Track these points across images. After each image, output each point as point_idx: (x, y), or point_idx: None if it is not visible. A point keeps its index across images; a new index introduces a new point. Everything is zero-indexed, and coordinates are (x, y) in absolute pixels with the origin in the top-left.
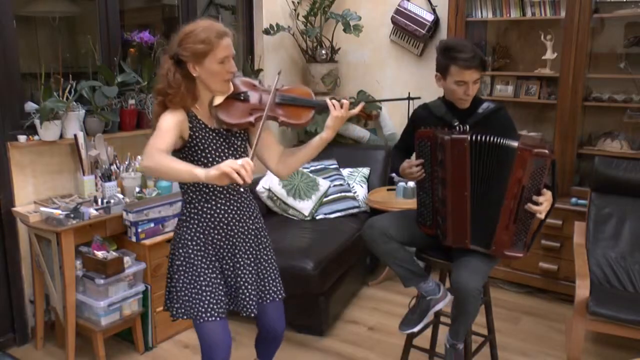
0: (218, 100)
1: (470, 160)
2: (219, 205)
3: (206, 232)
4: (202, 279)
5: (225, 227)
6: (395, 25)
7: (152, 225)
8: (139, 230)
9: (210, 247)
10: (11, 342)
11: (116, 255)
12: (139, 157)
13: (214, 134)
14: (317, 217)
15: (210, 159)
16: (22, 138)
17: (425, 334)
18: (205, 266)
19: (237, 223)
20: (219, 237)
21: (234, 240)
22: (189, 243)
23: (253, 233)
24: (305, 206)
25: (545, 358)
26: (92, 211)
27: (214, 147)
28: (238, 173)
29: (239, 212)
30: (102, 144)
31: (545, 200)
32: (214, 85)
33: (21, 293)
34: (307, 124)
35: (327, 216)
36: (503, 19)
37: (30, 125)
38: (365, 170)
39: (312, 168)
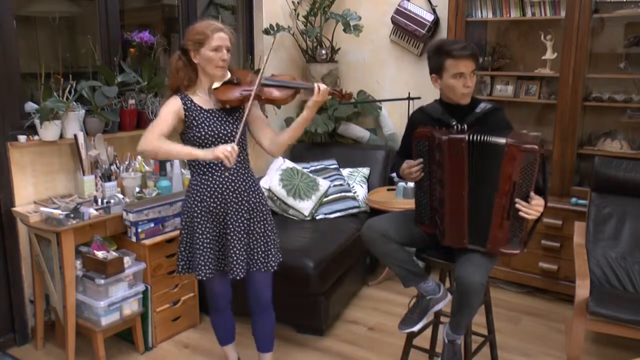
0: (216, 84)
1: (468, 159)
2: (214, 177)
3: (204, 199)
4: (196, 241)
5: (219, 196)
6: (395, 25)
7: (152, 225)
8: (139, 230)
9: (205, 214)
10: (11, 342)
11: (116, 255)
12: (139, 157)
13: (207, 114)
14: (317, 217)
15: (204, 134)
16: (22, 138)
17: (425, 334)
18: (201, 231)
19: (230, 194)
20: (214, 205)
21: (226, 209)
22: (189, 211)
23: (246, 207)
24: (305, 206)
25: (545, 358)
26: (92, 211)
27: (207, 124)
28: (227, 158)
29: (233, 184)
30: (102, 144)
31: (536, 205)
32: (210, 70)
33: (21, 293)
34: (286, 101)
35: (327, 216)
36: (503, 19)
37: (30, 125)
38: (365, 170)
39: (312, 168)
